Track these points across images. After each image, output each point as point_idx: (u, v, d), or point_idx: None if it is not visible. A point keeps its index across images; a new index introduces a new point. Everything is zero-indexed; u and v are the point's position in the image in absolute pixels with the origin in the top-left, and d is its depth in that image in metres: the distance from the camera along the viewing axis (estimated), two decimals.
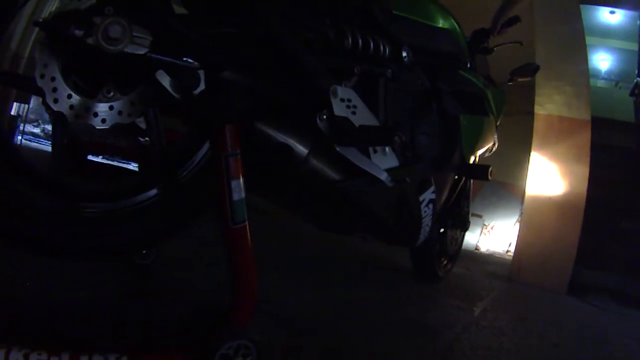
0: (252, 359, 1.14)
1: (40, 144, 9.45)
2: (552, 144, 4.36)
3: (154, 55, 1.15)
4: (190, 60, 1.18)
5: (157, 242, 1.73)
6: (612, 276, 4.51)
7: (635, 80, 7.63)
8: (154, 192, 1.39)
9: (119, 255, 1.69)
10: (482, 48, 2.83)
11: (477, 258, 6.22)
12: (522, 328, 2.60)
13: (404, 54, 1.77)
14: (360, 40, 1.55)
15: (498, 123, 2.88)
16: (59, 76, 1.18)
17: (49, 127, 10.07)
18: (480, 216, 8.46)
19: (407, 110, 1.87)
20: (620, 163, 5.19)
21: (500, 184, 8.18)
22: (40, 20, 1.14)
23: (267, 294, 1.45)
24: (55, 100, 1.17)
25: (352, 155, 1.50)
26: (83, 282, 1.70)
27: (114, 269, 1.91)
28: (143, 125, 1.31)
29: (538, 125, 4.45)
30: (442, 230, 2.93)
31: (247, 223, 1.19)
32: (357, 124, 1.49)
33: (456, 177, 2.48)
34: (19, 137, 10.46)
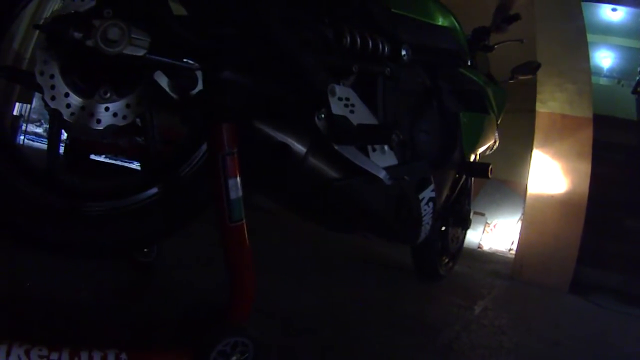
0: (249, 356, 1.14)
1: (42, 143, 9.47)
2: (554, 142, 4.35)
3: (152, 57, 1.16)
4: (188, 61, 1.19)
5: (158, 241, 1.74)
6: (614, 275, 4.50)
7: (637, 78, 7.60)
8: (154, 190, 1.39)
9: (120, 253, 1.70)
10: (482, 46, 2.82)
11: (479, 256, 6.21)
12: (522, 327, 2.60)
13: (403, 53, 1.77)
14: (358, 39, 1.55)
15: (499, 121, 2.88)
16: (57, 75, 1.20)
17: None
18: (482, 214, 8.43)
19: (406, 109, 1.87)
20: (622, 161, 5.17)
21: (502, 181, 8.16)
22: (40, 22, 1.16)
23: (266, 292, 1.45)
24: (53, 98, 1.19)
25: (351, 153, 1.50)
26: (84, 280, 1.71)
27: (115, 267, 1.91)
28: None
29: (540, 123, 4.44)
30: (443, 228, 2.93)
31: (244, 221, 1.19)
32: (355, 123, 1.49)
33: (456, 175, 2.48)
34: (22, 137, 10.49)
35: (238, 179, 1.17)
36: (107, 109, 1.22)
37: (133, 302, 1.67)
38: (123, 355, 1.04)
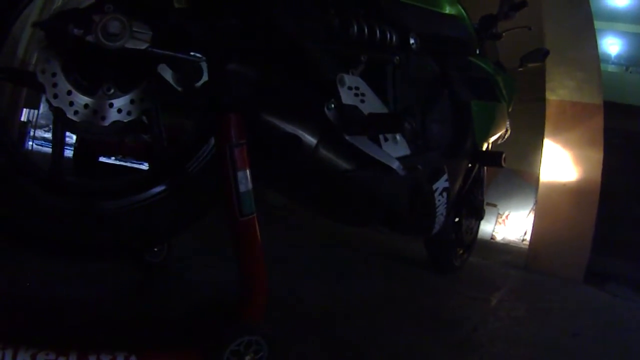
0: (263, 355, 1.11)
1: (49, 147, 9.50)
2: (565, 130, 4.31)
3: (155, 50, 1.14)
4: (192, 53, 1.17)
5: (167, 239, 1.71)
6: (629, 263, 4.47)
7: None
8: (161, 187, 1.37)
9: (126, 254, 1.67)
10: (490, 34, 2.79)
11: (492, 247, 6.18)
12: (539, 318, 2.58)
13: (412, 41, 1.75)
14: (365, 28, 1.53)
15: (510, 109, 2.84)
16: (60, 72, 1.19)
17: None
18: (494, 205, 8.38)
19: (417, 98, 1.83)
20: (632, 148, 5.13)
21: (514, 172, 8.12)
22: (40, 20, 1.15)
23: (280, 288, 1.42)
24: (55, 96, 1.18)
25: (363, 144, 1.46)
26: (93, 281, 1.70)
27: (124, 268, 1.89)
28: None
29: (550, 111, 4.40)
30: (457, 219, 2.89)
31: (255, 215, 1.16)
32: (365, 112, 1.45)
33: (469, 164, 2.45)
34: (30, 143, 10.55)
35: (247, 171, 1.14)
36: (111, 105, 1.21)
37: (142, 302, 1.65)
38: (132, 357, 1.02)
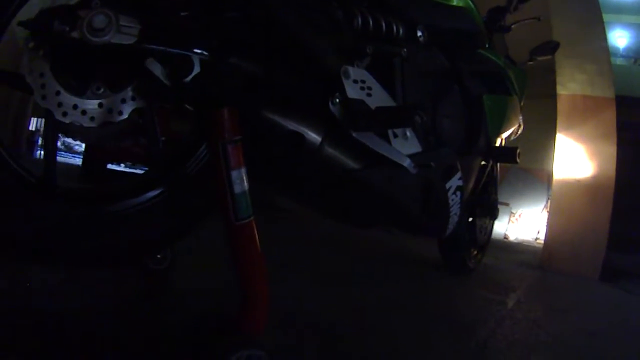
0: None
1: (61, 156, 9.56)
2: (577, 125, 4.27)
3: (143, 45, 1.07)
4: (182, 48, 1.10)
5: (168, 244, 1.64)
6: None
7: None
8: (159, 189, 1.30)
9: (126, 261, 1.60)
10: (499, 26, 2.72)
11: (506, 247, 6.16)
12: (557, 319, 2.53)
13: (419, 34, 1.70)
14: (370, 20, 1.46)
15: (522, 104, 2.77)
16: (48, 73, 1.13)
17: (68, 140, 10.26)
18: (507, 204, 8.35)
19: (426, 92, 1.76)
20: None
21: (525, 170, 8.08)
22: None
23: (284, 295, 1.35)
24: (44, 97, 1.12)
25: (370, 140, 1.38)
26: (95, 290, 1.65)
27: (128, 275, 1.82)
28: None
29: (561, 106, 4.35)
30: (470, 219, 2.83)
31: (252, 219, 1.08)
32: (373, 107, 1.37)
33: (483, 161, 2.38)
34: (39, 151, 10.65)
35: (243, 170, 1.06)
36: (100, 105, 1.14)
37: (139, 315, 1.57)
38: None
